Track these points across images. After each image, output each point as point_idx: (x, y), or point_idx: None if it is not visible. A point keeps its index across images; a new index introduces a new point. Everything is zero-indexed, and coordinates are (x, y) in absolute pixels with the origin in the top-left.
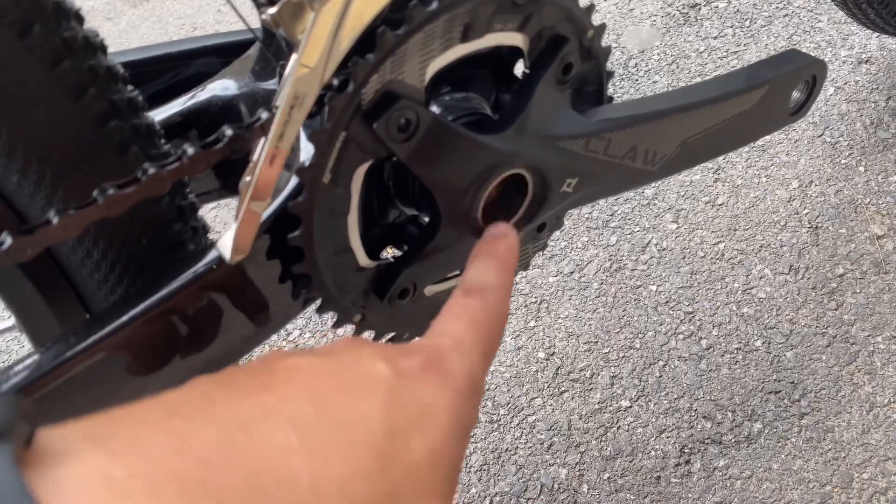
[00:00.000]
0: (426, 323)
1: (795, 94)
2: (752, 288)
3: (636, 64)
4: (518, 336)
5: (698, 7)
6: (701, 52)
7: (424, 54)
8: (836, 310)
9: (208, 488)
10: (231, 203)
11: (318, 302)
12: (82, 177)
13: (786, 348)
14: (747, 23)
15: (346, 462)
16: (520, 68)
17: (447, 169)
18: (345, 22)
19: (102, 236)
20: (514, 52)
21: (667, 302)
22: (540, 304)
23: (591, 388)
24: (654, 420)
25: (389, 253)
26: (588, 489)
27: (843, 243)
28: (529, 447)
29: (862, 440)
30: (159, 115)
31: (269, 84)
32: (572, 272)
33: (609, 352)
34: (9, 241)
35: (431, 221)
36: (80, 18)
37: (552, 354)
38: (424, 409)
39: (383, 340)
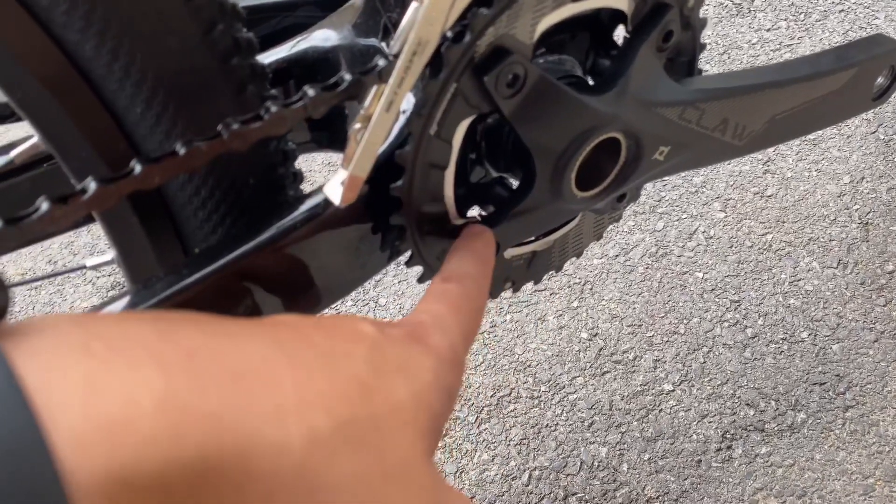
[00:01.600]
0: (500, 287)
1: (880, 80)
2: (799, 280)
3: None
4: (561, 315)
5: None
6: (753, 44)
7: (537, 10)
8: (884, 306)
9: (190, 375)
10: (310, 158)
11: (407, 256)
12: (203, 112)
13: (832, 341)
14: (801, 16)
15: (330, 382)
16: (619, 34)
17: (549, 127)
18: None
19: (213, 174)
20: (614, 17)
21: (713, 290)
22: (584, 285)
23: (634, 371)
24: (696, 405)
25: (476, 212)
26: (628, 468)
27: (894, 240)
28: (570, 424)
29: None
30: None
31: (370, 41)
32: (617, 255)
33: (653, 336)
34: (139, 167)
35: (525, 181)
36: None
37: (595, 335)
38: (408, 362)
39: None
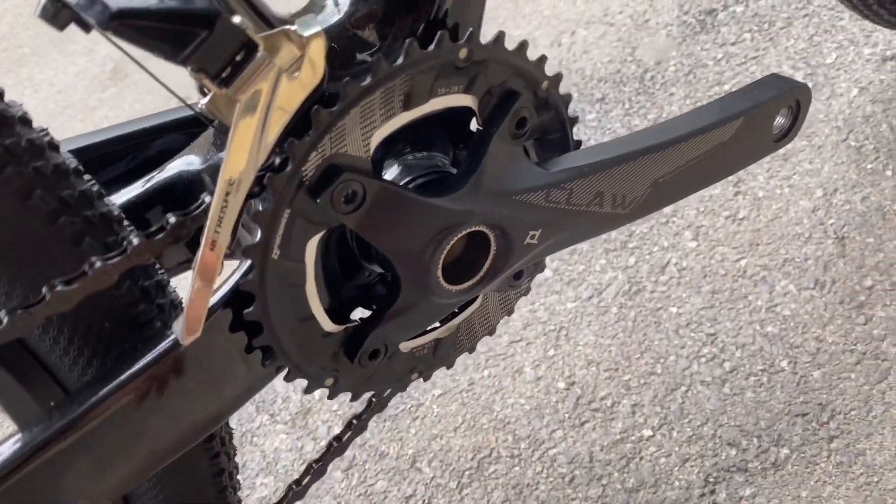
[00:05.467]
0: (406, 379)
1: (780, 120)
2: (776, 305)
3: (652, 77)
4: (538, 366)
5: (715, 13)
6: (719, 60)
7: (365, 126)
8: (865, 324)
9: None
10: None
11: (285, 371)
12: (37, 272)
13: (813, 367)
14: (766, 26)
15: None
16: (475, 124)
17: (400, 233)
18: (270, 114)
19: (65, 324)
20: (469, 112)
21: (688, 324)
22: (559, 331)
23: (613, 418)
24: (677, 449)
25: (358, 314)
26: None
27: (872, 253)
28: (551, 482)
29: None
30: (126, 195)
31: None
32: (591, 297)
33: (630, 379)
34: None
35: (393, 283)
36: (25, 121)
37: (572, 384)
38: None
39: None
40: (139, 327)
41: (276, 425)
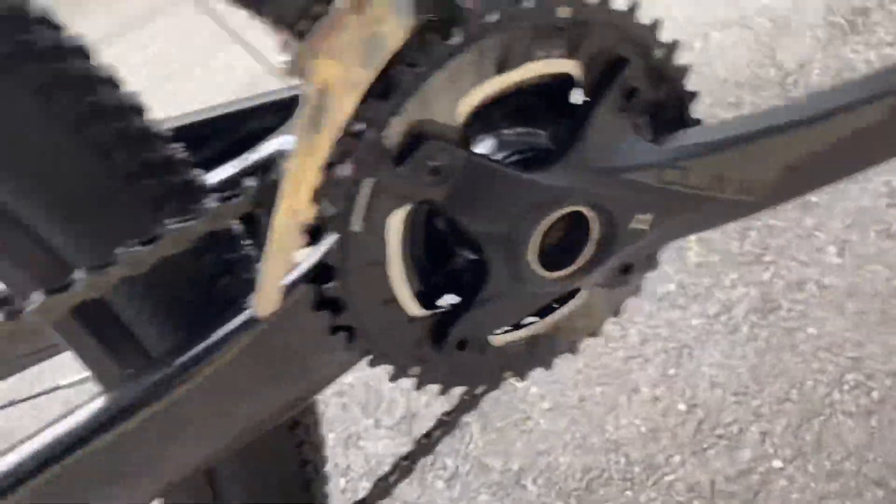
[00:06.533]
0: (500, 375)
1: None
2: None
3: (794, 80)
4: (656, 385)
5: (868, 12)
6: (871, 62)
7: (454, 91)
8: None
9: None
10: None
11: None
12: (117, 233)
13: None
14: None
15: None
16: (576, 96)
17: (490, 211)
18: (351, 72)
19: (148, 292)
20: (569, 82)
21: (829, 347)
22: (681, 349)
23: (739, 446)
24: (812, 485)
25: (447, 300)
26: None
27: None
28: None
29: None
30: (221, 173)
31: None
32: (718, 314)
33: (760, 405)
34: (39, 300)
35: (483, 267)
36: (114, 83)
37: (694, 406)
38: None
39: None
40: (224, 302)
41: (380, 430)
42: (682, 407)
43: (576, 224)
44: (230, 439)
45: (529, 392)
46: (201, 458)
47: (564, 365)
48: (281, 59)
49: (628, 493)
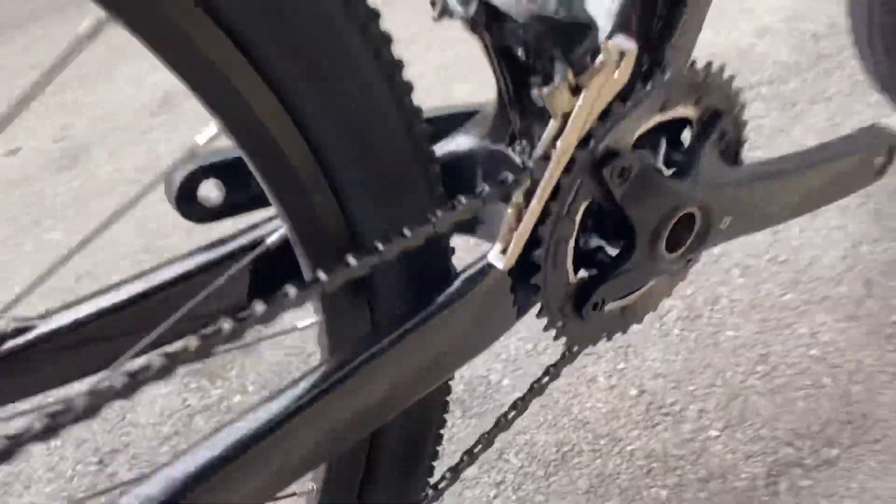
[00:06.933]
0: (598, 337)
1: (878, 159)
2: (817, 333)
3: None
4: (610, 376)
5: None
6: None
7: (636, 121)
8: (893, 351)
9: None
10: None
11: (537, 309)
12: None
13: (852, 384)
14: None
15: None
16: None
17: (648, 205)
18: (595, 103)
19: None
20: (683, 122)
21: (743, 345)
22: (627, 348)
23: (682, 421)
24: (741, 447)
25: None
26: None
27: (894, 295)
28: (630, 472)
29: None
30: None
31: (499, 146)
32: (653, 321)
33: (695, 389)
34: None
35: (627, 247)
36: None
37: (643, 391)
38: None
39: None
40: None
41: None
42: (633, 392)
43: (686, 220)
44: (428, 386)
45: (502, 384)
46: (403, 406)
47: (530, 360)
48: (545, 90)
49: (598, 461)
